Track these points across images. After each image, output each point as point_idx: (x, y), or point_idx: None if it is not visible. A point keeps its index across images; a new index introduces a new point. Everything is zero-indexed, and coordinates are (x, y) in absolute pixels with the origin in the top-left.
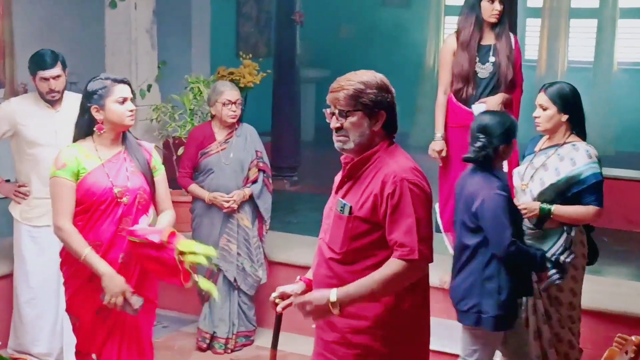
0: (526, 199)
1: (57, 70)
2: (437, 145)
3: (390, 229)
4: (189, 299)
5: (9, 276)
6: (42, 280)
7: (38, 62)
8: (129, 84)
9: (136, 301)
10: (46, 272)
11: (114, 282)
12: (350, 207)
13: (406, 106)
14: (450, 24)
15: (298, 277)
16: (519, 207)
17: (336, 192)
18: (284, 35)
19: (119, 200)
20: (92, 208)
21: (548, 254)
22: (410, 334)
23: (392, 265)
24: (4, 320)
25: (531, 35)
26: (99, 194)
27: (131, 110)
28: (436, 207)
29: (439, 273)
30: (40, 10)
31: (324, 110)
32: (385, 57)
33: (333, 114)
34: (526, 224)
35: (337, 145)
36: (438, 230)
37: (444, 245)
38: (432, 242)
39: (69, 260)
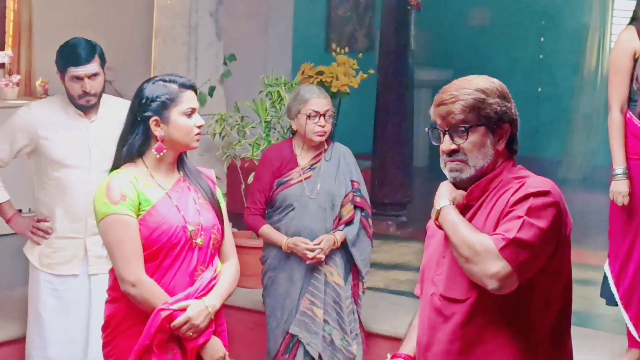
0: None
1: (94, 66)
2: (621, 185)
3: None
4: None
5: (21, 341)
6: (64, 348)
7: (69, 55)
8: (196, 90)
9: None
10: (70, 337)
11: (214, 347)
12: None
13: (557, 124)
14: (622, 10)
15: (389, 356)
16: None
17: None
18: (394, 23)
19: (193, 242)
20: (161, 254)
21: None
22: None
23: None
24: None
25: None
26: (171, 234)
27: (199, 127)
28: (606, 268)
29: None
30: None
31: (427, 129)
32: (530, 54)
33: (444, 133)
34: None
35: (451, 175)
36: (611, 303)
37: (610, 321)
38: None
39: (125, 324)
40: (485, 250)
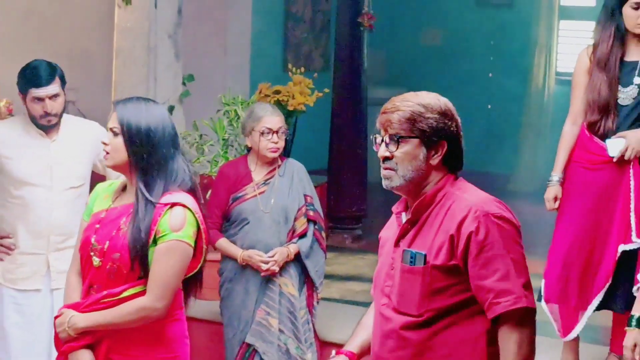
0: None
1: (55, 87)
2: (551, 191)
3: (480, 275)
4: None
5: None
6: None
7: (30, 77)
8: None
9: None
10: (34, 350)
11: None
12: (425, 256)
13: (505, 140)
14: (567, 30)
15: (334, 352)
16: None
17: (396, 245)
18: (347, 44)
19: (92, 259)
20: (81, 261)
21: None
22: None
23: (510, 328)
24: None
25: None
26: (80, 245)
27: (104, 143)
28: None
29: None
30: (30, 8)
31: (371, 136)
32: (479, 72)
33: (382, 140)
34: None
35: (383, 182)
36: (539, 299)
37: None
38: (532, 291)
39: None
40: None
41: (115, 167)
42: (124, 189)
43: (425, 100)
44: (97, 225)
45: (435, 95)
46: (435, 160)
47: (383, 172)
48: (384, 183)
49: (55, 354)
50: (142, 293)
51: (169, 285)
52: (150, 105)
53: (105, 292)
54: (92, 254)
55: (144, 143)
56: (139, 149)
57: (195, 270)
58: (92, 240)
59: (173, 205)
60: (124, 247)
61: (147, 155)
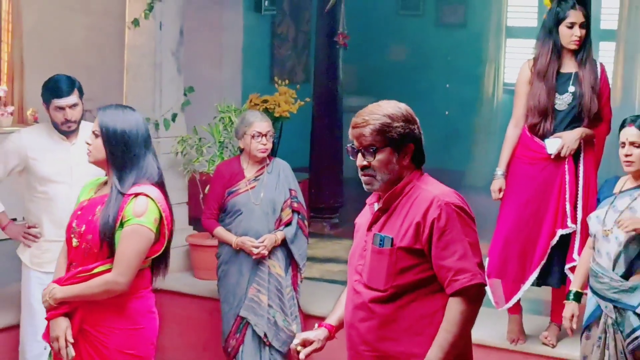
0: (610, 247)
1: (73, 98)
2: (496, 184)
3: (442, 255)
4: (214, 355)
5: (16, 328)
6: None
7: (52, 89)
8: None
9: None
10: None
11: (54, 325)
12: (392, 239)
13: (461, 140)
14: (512, 46)
15: (316, 325)
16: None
17: (369, 229)
18: (325, 59)
19: (72, 240)
20: None
21: (638, 310)
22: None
23: (458, 300)
24: None
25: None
26: (67, 228)
27: (88, 144)
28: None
29: (502, 329)
30: (53, 29)
31: (347, 147)
32: (438, 83)
33: (358, 151)
34: (611, 275)
35: (365, 186)
36: None
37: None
38: (484, 270)
39: None
40: None
41: (95, 163)
42: (105, 183)
43: (388, 111)
44: (79, 212)
45: (394, 102)
46: (405, 161)
47: (363, 179)
48: (366, 187)
49: None
50: (111, 270)
51: (130, 263)
52: (126, 112)
53: (80, 268)
54: (72, 235)
55: (119, 143)
56: (115, 148)
57: (160, 253)
58: (74, 224)
59: (138, 195)
60: (95, 230)
61: (121, 154)
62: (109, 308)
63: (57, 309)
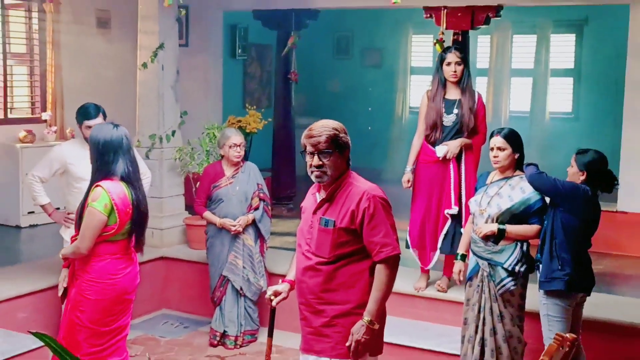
0: (484, 222)
1: (99, 120)
2: (405, 177)
3: (371, 234)
4: (204, 304)
5: (54, 288)
6: None
7: (83, 113)
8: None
9: None
10: None
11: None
12: (334, 221)
13: (380, 148)
14: (416, 81)
15: (280, 280)
16: (476, 230)
17: (314, 213)
18: (282, 91)
19: None
20: None
21: (505, 265)
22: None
23: (383, 266)
24: (55, 325)
25: (481, 91)
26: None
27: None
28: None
29: (412, 282)
30: (85, 68)
31: (301, 152)
32: (363, 107)
33: (313, 154)
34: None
35: (316, 179)
36: (407, 247)
37: (411, 259)
38: (399, 243)
39: None
40: None
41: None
42: None
43: (334, 125)
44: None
45: (332, 121)
46: (344, 162)
47: (316, 174)
48: (317, 180)
49: None
50: None
51: (84, 234)
52: (104, 126)
53: (73, 236)
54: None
55: (93, 150)
56: (92, 153)
57: (133, 234)
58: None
59: (96, 186)
60: (77, 212)
61: (94, 157)
62: (84, 265)
63: (64, 262)
